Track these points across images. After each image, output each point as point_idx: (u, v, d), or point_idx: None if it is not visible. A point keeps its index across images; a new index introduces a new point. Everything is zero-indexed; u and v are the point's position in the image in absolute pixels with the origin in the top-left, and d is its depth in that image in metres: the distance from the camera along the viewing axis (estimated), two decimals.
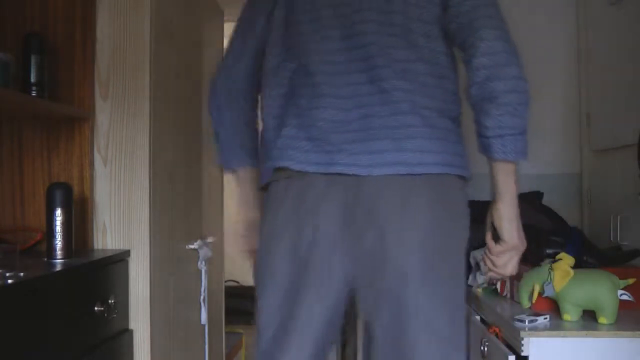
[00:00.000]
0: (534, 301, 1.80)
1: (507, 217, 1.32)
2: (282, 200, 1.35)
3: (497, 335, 1.80)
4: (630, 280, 1.70)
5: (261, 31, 1.49)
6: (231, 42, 1.56)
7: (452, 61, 1.37)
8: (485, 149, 1.28)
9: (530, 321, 1.64)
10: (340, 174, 1.29)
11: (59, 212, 1.53)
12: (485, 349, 1.84)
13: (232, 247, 1.49)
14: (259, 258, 1.41)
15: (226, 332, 2.87)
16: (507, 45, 1.27)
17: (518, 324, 1.65)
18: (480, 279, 2.21)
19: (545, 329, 1.63)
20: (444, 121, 1.31)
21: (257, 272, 1.41)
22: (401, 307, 1.27)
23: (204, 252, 2.22)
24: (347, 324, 2.76)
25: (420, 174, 1.27)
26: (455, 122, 1.35)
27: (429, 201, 1.27)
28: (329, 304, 1.33)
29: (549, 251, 1.94)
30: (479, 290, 2.17)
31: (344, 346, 3.07)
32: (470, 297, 2.24)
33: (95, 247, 1.76)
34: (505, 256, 1.35)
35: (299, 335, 1.33)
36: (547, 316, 1.70)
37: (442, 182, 1.29)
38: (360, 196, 1.28)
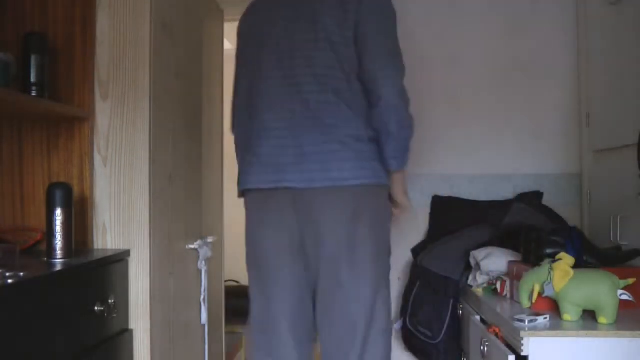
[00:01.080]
0: (534, 301, 1.80)
1: (396, 193, 1.92)
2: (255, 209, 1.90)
3: (497, 335, 1.80)
4: (630, 280, 1.70)
5: None
6: None
7: (364, 96, 1.81)
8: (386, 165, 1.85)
9: (530, 321, 1.65)
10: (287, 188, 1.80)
11: (59, 212, 1.53)
12: (485, 349, 1.85)
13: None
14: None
15: (226, 332, 2.87)
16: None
17: (518, 324, 1.65)
18: (480, 279, 2.21)
19: (545, 329, 1.63)
20: (360, 145, 1.78)
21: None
22: (333, 278, 1.78)
23: (204, 252, 2.22)
24: None
25: (342, 186, 1.76)
26: (369, 143, 1.80)
27: (349, 203, 1.77)
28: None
29: (549, 251, 1.95)
30: (479, 290, 2.18)
31: None
32: (471, 296, 2.24)
33: (95, 247, 1.76)
34: (404, 213, 1.99)
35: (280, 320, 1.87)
36: (547, 316, 1.70)
37: (360, 190, 1.77)
38: (302, 202, 1.79)
